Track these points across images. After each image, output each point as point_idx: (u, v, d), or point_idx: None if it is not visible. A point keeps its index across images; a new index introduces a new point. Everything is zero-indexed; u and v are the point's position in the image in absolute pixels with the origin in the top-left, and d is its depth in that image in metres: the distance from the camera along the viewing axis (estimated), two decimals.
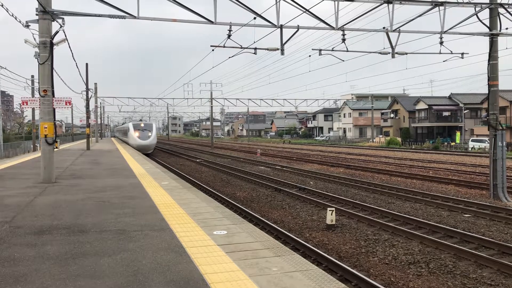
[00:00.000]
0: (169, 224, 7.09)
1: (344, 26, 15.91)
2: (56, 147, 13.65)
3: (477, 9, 16.00)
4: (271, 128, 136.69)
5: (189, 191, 10.87)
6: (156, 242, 6.00)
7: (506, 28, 16.92)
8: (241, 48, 16.88)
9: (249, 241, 5.99)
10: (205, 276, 4.61)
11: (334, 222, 12.08)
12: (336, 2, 14.90)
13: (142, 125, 43.03)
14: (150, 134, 41.30)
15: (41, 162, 12.97)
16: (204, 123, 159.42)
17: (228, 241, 6.00)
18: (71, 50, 15.83)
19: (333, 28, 15.48)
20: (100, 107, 71.47)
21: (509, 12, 16.25)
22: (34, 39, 12.98)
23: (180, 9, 14.02)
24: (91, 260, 5.22)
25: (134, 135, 41.18)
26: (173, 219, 7.44)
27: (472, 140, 51.86)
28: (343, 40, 16.65)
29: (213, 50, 18.35)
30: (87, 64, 36.46)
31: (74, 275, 4.68)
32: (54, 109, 13.22)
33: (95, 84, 50.54)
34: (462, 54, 18.64)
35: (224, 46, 16.55)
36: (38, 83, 13.17)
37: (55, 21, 12.71)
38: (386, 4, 15.01)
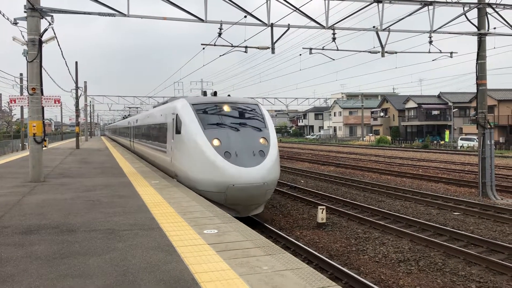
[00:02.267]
0: (159, 223, 7.05)
1: (335, 25, 15.95)
2: (45, 146, 13.50)
3: (466, 8, 16.12)
4: None
5: (179, 189, 10.82)
6: (145, 241, 5.96)
7: (494, 28, 17.06)
8: (232, 46, 16.84)
9: (240, 240, 5.97)
10: (195, 275, 4.59)
11: (324, 221, 12.12)
12: (326, 1, 14.92)
13: (227, 109, 12.54)
14: (264, 141, 11.82)
15: (29, 161, 12.84)
16: None
17: (219, 240, 5.98)
18: (60, 48, 15.70)
19: (323, 27, 15.50)
20: (90, 105, 70.89)
21: (497, 12, 16.39)
22: (23, 36, 12.83)
23: (171, 8, 13.96)
24: (80, 259, 5.17)
25: (205, 146, 11.36)
26: (163, 218, 7.40)
27: (461, 139, 52.30)
28: (334, 39, 16.69)
29: (203, 48, 18.28)
30: (76, 62, 36.16)
31: (63, 275, 4.63)
32: (43, 108, 13.09)
33: (85, 82, 50.11)
34: (451, 53, 18.77)
35: (214, 45, 16.50)
36: (27, 81, 13.01)
37: (44, 19, 12.58)
38: (376, 3, 15.07)
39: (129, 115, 50.72)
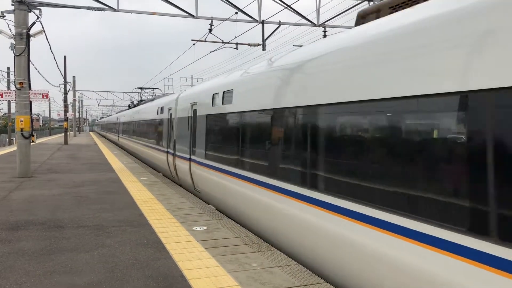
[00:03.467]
0: (148, 219, 7.02)
1: (325, 23, 15.98)
2: (33, 141, 13.40)
3: None
4: None
5: (168, 186, 10.78)
6: (134, 237, 5.93)
7: None
8: (223, 42, 16.81)
9: (229, 237, 5.97)
10: (184, 272, 4.58)
11: None
12: None
13: None
14: None
15: (17, 156, 12.70)
16: None
17: (208, 237, 5.97)
18: (48, 42, 15.51)
19: (314, 24, 15.53)
20: (79, 100, 70.35)
21: None
22: (10, 30, 12.67)
23: (161, 3, 13.89)
24: (68, 256, 5.13)
25: None
26: (152, 215, 7.37)
27: None
28: (325, 36, 16.73)
29: (194, 44, 18.22)
30: (65, 56, 35.77)
31: (50, 272, 4.59)
32: (30, 102, 12.96)
33: (73, 77, 49.77)
34: None
35: (205, 41, 16.46)
36: (14, 75, 12.86)
37: (32, 12, 12.44)
38: (367, 2, 15.12)
39: (141, 100, 33.32)
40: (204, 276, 4.48)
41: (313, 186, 5.03)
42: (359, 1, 15.14)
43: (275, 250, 5.40)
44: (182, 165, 11.19)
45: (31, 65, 12.75)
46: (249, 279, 4.39)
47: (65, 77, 35.34)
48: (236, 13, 14.70)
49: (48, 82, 26.77)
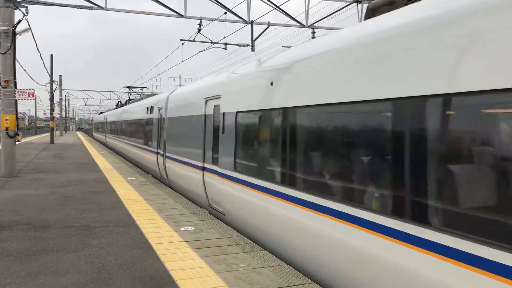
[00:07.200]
0: (135, 220, 6.98)
1: (314, 24, 16.05)
2: (18, 140, 13.22)
3: None
4: None
5: (156, 186, 10.73)
6: (121, 238, 5.89)
7: None
8: (211, 42, 16.78)
9: (217, 237, 5.96)
10: (171, 273, 4.56)
11: None
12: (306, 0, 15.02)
13: None
14: None
15: (1, 155, 12.53)
16: None
17: (196, 237, 5.95)
18: (35, 40, 15.32)
19: (303, 26, 15.59)
20: (65, 100, 69.61)
21: None
22: None
23: (150, 3, 13.82)
24: (54, 256, 5.07)
25: None
26: (139, 215, 7.32)
27: None
28: (313, 38, 16.80)
29: (182, 44, 18.15)
30: (51, 55, 35.37)
31: (35, 272, 4.53)
32: (16, 101, 12.80)
33: (60, 76, 49.23)
34: None
35: (194, 41, 16.41)
36: None
37: (18, 10, 12.29)
38: (355, 4, 15.22)
39: (129, 100, 27.94)
40: (192, 276, 4.46)
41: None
42: (348, 3, 15.23)
43: (263, 250, 5.40)
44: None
45: (17, 63, 12.61)
46: (237, 279, 4.38)
47: (51, 76, 34.95)
48: (225, 13, 14.69)
49: (35, 80, 26.43)
